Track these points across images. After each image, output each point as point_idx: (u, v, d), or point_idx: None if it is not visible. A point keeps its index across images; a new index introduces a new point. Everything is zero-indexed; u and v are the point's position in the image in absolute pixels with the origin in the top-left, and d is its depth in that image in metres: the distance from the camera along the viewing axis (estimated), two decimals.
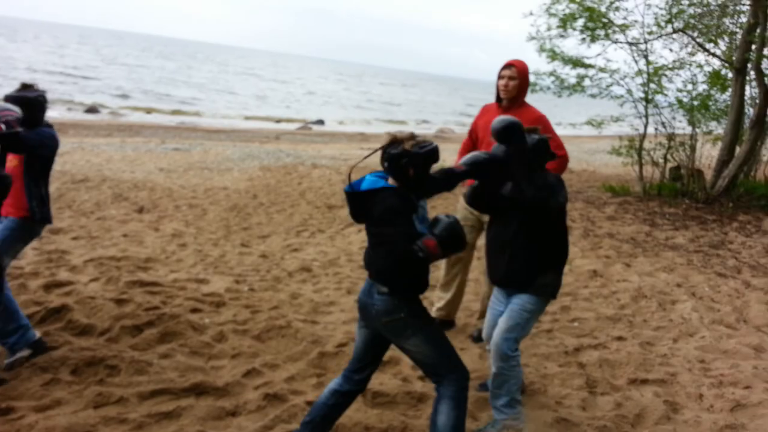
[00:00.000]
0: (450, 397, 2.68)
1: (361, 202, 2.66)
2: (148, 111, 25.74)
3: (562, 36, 10.77)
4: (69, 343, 3.74)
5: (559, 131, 4.41)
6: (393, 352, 4.00)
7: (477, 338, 4.42)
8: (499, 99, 4.17)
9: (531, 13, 10.89)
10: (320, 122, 28.93)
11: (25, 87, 3.56)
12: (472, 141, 4.66)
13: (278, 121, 28.68)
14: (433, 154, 2.62)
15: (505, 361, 3.01)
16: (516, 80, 4.05)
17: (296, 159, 13.60)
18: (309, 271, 5.86)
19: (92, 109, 23.80)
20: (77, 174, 9.84)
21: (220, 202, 8.73)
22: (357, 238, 7.26)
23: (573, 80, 10.94)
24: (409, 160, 2.57)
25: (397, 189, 2.61)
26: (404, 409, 3.35)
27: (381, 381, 3.60)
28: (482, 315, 4.26)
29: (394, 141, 2.61)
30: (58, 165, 9.89)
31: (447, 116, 41.64)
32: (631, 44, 10.77)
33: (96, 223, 7.04)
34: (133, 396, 3.21)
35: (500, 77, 4.10)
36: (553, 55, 10.74)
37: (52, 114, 22.20)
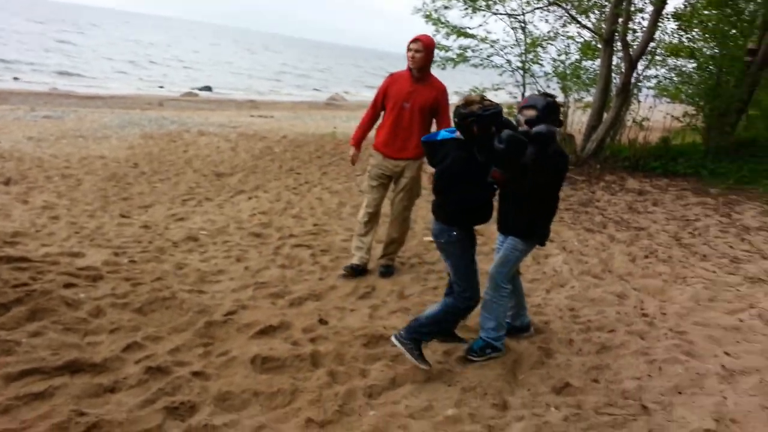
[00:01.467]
0: (446, 303, 3.40)
1: (433, 150, 3.36)
2: (16, 78, 23.36)
3: (446, 7, 10.99)
4: None
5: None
6: (283, 317, 4.03)
7: (385, 271, 5.09)
8: (410, 69, 4.69)
9: None
10: (207, 89, 27.70)
11: None
12: (376, 110, 4.84)
13: (161, 86, 27.11)
14: (496, 116, 3.14)
15: (495, 290, 3.62)
16: (422, 53, 4.59)
17: (181, 126, 12.98)
18: (195, 241, 5.68)
19: None
20: None
21: (97, 172, 8.18)
22: (247, 205, 7.11)
23: (457, 51, 11.25)
24: (474, 119, 3.12)
25: (461, 141, 3.22)
26: (293, 372, 3.38)
27: (271, 346, 3.60)
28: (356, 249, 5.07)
29: (466, 102, 3.16)
30: None
31: (342, 85, 41.29)
32: (510, 15, 11.18)
33: None
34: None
35: (408, 50, 4.62)
36: (437, 23, 10.94)
37: None
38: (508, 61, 11.34)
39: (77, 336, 3.58)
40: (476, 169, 3.23)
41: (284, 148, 11.24)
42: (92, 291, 4.25)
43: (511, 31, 11.37)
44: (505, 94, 11.61)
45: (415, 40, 4.63)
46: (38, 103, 17.04)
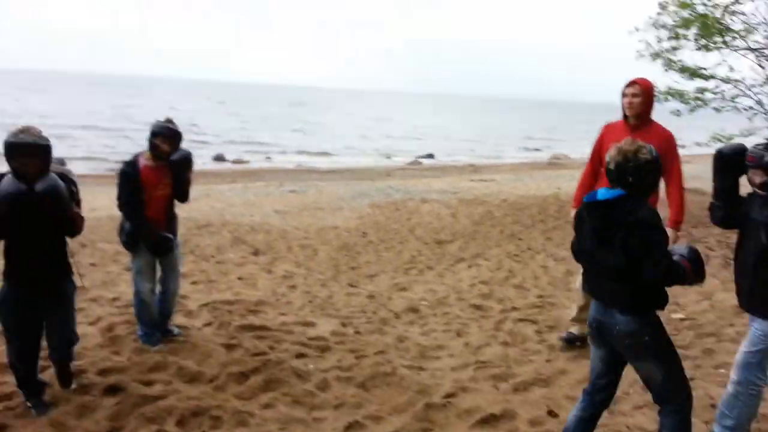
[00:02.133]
0: (671, 428, 2.72)
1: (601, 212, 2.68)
2: (268, 157, 27.14)
3: (674, 48, 9.96)
4: (177, 392, 3.78)
5: (684, 153, 3.98)
6: (507, 405, 3.67)
7: (568, 340, 4.62)
8: (626, 117, 4.22)
9: (637, 30, 10.19)
10: (430, 156, 28.98)
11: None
12: (594, 166, 4.41)
13: (388, 156, 29.10)
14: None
15: (741, 384, 3.01)
16: (639, 97, 4.11)
17: (405, 194, 13.58)
18: (416, 312, 5.64)
19: (219, 158, 25.51)
20: (201, 220, 10.40)
21: (331, 242, 8.81)
22: (467, 274, 6.96)
23: (693, 95, 10.07)
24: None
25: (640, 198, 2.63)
26: None
27: None
28: (576, 320, 4.57)
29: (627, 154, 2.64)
30: (184, 212, 10.56)
31: (565, 143, 40.10)
32: (754, 50, 9.70)
33: (215, 267, 7.31)
34: None
35: (623, 95, 4.17)
36: (670, 64, 9.93)
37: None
38: (759, 102, 9.77)
39: (304, 410, 3.66)
40: None
41: (505, 212, 11.01)
42: (320, 362, 4.39)
43: (759, 68, 9.83)
44: (759, 139, 9.98)
45: (631, 84, 4.18)
46: (286, 178, 19.40)
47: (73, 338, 3.75)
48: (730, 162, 3.04)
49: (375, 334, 5.04)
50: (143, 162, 4.32)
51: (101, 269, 6.79)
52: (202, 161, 25.01)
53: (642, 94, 4.11)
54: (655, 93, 4.41)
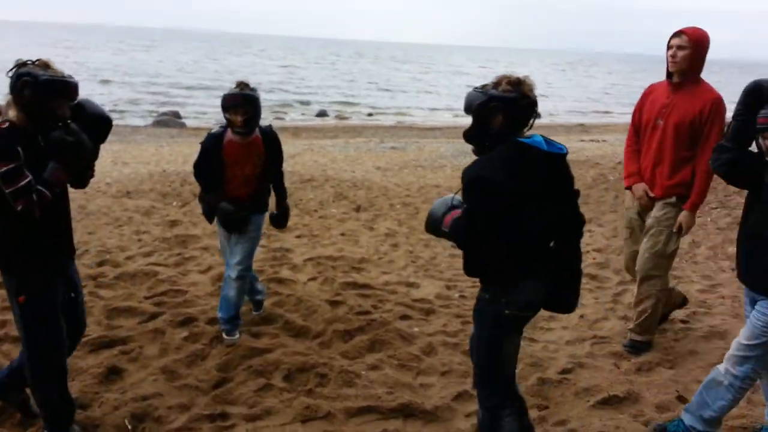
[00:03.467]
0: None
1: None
2: (370, 114, 27.12)
3: None
4: (284, 346, 3.77)
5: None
6: (630, 386, 3.35)
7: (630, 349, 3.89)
8: (669, 74, 3.60)
9: None
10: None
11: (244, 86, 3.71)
12: (635, 130, 3.90)
13: None
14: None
15: (735, 377, 2.68)
16: (687, 49, 3.48)
17: None
18: None
19: (322, 113, 25.82)
20: (305, 174, 10.51)
21: (433, 201, 8.58)
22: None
23: None
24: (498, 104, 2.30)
25: None
26: None
27: (618, 423, 2.98)
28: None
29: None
30: (288, 166, 10.72)
31: None
32: None
33: (318, 222, 7.34)
34: (340, 412, 3.06)
35: (669, 47, 3.55)
36: None
37: (291, 117, 24.63)
38: None
39: (410, 374, 3.54)
40: None
41: (619, 175, 10.25)
42: (425, 326, 4.24)
43: None
44: None
45: (677, 34, 3.53)
46: (386, 135, 19.30)
47: None
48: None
49: None
50: (229, 136, 3.76)
51: None
52: (304, 115, 25.51)
53: (690, 47, 3.47)
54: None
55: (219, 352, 3.68)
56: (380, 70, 59.50)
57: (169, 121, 21.08)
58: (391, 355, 3.73)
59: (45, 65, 2.49)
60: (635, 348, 3.86)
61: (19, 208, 2.37)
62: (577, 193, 2.50)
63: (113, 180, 8.99)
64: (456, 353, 3.81)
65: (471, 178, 2.27)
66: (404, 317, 4.32)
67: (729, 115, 2.99)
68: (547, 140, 2.38)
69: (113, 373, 3.41)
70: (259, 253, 5.80)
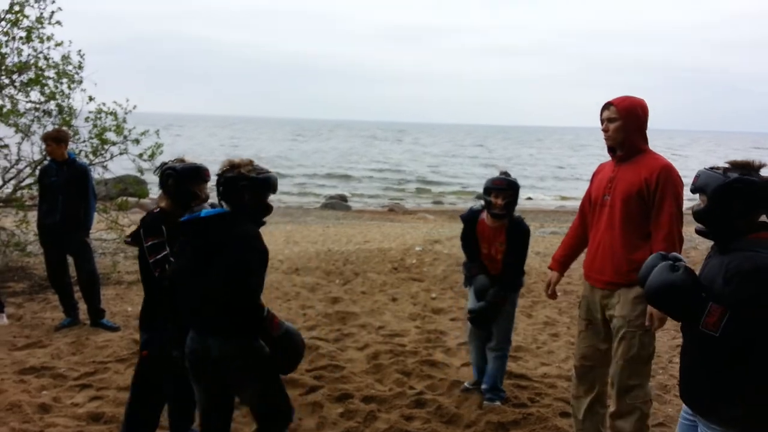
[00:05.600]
0: None
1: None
2: (528, 198, 26.83)
3: None
4: None
5: None
6: None
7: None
8: (612, 149, 3.28)
9: None
10: None
11: None
12: (582, 212, 3.46)
13: None
14: (269, 182, 2.69)
15: None
16: (618, 121, 3.15)
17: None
18: None
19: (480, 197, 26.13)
20: (461, 256, 10.56)
21: None
22: None
23: None
24: (247, 183, 2.63)
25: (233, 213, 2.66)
26: None
27: None
28: None
29: (231, 165, 2.68)
30: (445, 248, 10.83)
31: None
32: None
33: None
34: None
35: (601, 121, 3.26)
36: None
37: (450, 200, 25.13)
38: None
39: None
40: None
41: None
42: None
43: None
44: None
45: (606, 106, 3.21)
46: (546, 219, 18.83)
47: None
48: None
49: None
50: (483, 216, 4.18)
51: (370, 298, 7.23)
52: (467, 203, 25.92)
53: (621, 117, 3.14)
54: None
55: (372, 431, 3.70)
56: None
57: (336, 204, 22.60)
58: None
59: (181, 160, 3.19)
60: None
61: (156, 274, 2.97)
62: None
63: (285, 257, 9.74)
64: None
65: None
66: (564, 414, 4.03)
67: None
68: None
69: None
70: (413, 333, 5.86)
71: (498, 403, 4.11)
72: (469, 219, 4.25)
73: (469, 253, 4.31)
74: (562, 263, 3.64)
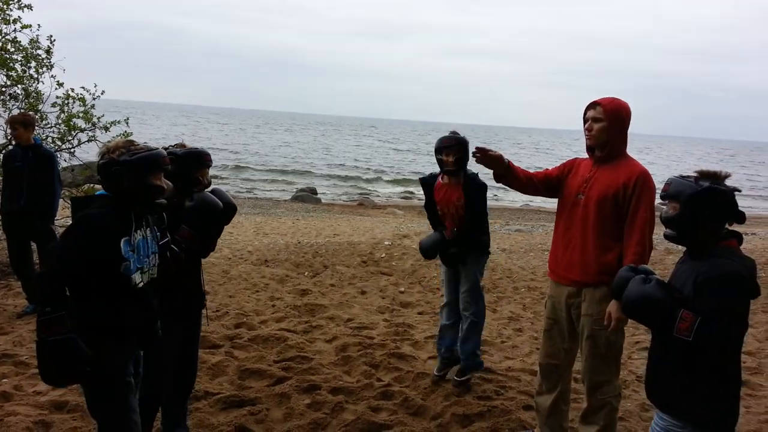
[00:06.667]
0: None
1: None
2: (494, 195, 27.09)
3: None
4: (402, 424, 3.76)
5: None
6: None
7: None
8: (590, 149, 3.29)
9: None
10: None
11: None
12: (546, 177, 3.50)
13: None
14: (147, 160, 2.45)
15: None
16: (602, 122, 3.17)
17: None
18: None
19: None
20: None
21: None
22: None
23: None
24: (120, 167, 2.42)
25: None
26: None
27: None
28: None
29: (107, 150, 2.47)
30: (414, 243, 10.91)
31: None
32: None
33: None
34: None
35: (584, 120, 3.26)
36: None
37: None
38: None
39: None
40: None
41: None
42: None
43: None
44: None
45: (592, 105, 3.21)
46: (512, 217, 19.12)
47: None
48: None
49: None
50: (440, 179, 4.42)
51: (339, 290, 7.27)
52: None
53: (606, 119, 3.16)
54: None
55: (339, 423, 3.75)
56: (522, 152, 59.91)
57: (306, 197, 22.51)
58: None
59: (182, 145, 3.12)
60: None
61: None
62: None
63: (254, 249, 9.70)
64: None
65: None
66: (527, 407, 4.13)
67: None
68: None
69: None
70: (381, 326, 5.92)
71: (477, 373, 4.41)
72: (427, 181, 4.47)
73: (433, 221, 4.52)
74: (512, 168, 3.43)
